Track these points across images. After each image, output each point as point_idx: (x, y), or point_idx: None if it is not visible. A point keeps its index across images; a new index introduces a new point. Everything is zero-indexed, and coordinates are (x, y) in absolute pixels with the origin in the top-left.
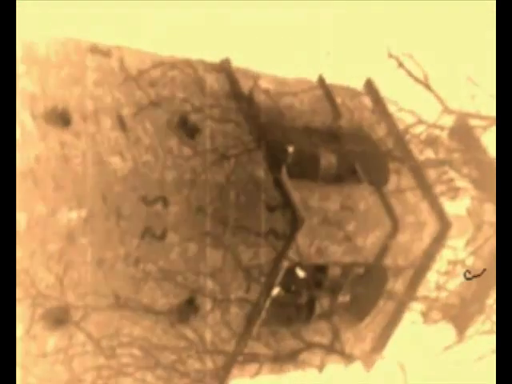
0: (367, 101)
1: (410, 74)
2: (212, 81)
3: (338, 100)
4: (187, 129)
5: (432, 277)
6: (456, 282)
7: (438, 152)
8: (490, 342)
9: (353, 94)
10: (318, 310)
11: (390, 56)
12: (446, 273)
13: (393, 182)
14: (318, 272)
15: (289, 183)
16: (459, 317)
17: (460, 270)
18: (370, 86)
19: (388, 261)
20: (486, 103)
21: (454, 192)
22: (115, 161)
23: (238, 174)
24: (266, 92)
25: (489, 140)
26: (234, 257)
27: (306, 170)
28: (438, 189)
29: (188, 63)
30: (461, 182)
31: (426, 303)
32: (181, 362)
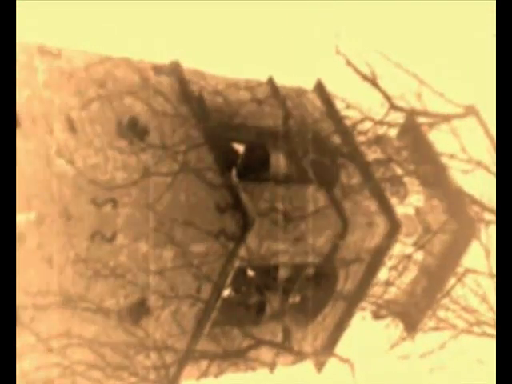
0: (316, 99)
1: (358, 72)
2: (161, 82)
3: (288, 100)
4: (136, 130)
5: (382, 274)
6: (406, 279)
7: (386, 150)
8: (437, 338)
9: (301, 92)
10: (268, 310)
11: (338, 53)
12: (394, 268)
13: (342, 181)
14: (269, 273)
15: (239, 184)
16: (408, 313)
17: (410, 265)
18: (319, 86)
19: (338, 261)
20: (432, 101)
21: (402, 190)
22: (64, 163)
23: (187, 173)
24: (216, 92)
25: (435, 137)
26: (184, 255)
27: (255, 170)
28: (386, 187)
29: (137, 64)
30: (408, 180)
31: (375, 300)
32: (129, 359)
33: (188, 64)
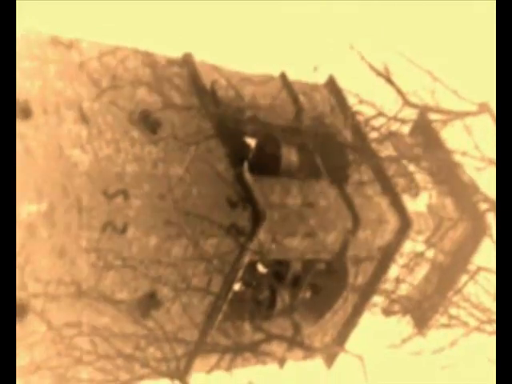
0: (329, 95)
1: (372, 67)
2: (174, 74)
3: (300, 95)
4: (149, 123)
5: (393, 271)
6: (417, 276)
7: (399, 146)
8: (448, 335)
9: (314, 88)
10: (278, 305)
11: (352, 48)
12: (406, 266)
13: (353, 177)
14: (280, 268)
15: (250, 178)
16: (419, 310)
17: (422, 263)
18: (332, 82)
19: (349, 257)
20: (446, 98)
21: (415, 187)
22: (76, 154)
23: (198, 166)
24: (229, 85)
25: (448, 134)
26: (196, 248)
27: (267, 164)
28: (398, 183)
29: (150, 56)
30: (421, 177)
31: (385, 296)
32: (140, 351)
33: (201, 57)
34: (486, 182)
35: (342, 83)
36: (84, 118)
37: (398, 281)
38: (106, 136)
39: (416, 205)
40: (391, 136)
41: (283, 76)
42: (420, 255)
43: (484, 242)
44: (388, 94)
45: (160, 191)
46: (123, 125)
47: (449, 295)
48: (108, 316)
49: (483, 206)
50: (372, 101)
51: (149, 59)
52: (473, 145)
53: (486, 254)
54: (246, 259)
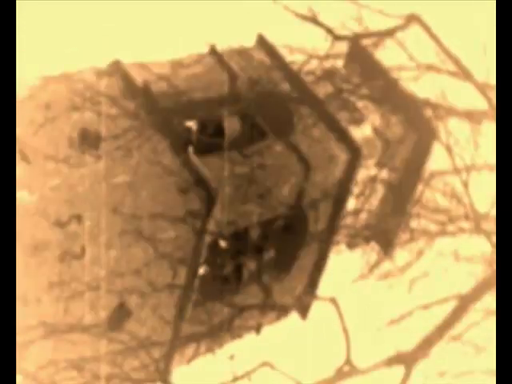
0: (260, 53)
1: (297, 14)
2: (105, 84)
3: (232, 62)
4: (89, 140)
5: (350, 203)
6: (374, 201)
7: (336, 82)
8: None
9: (244, 51)
10: (245, 274)
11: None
12: (361, 194)
13: (297, 126)
14: (240, 236)
15: (196, 160)
16: (381, 233)
17: (377, 186)
18: (261, 39)
19: (306, 205)
20: (374, 21)
21: (358, 115)
22: (23, 195)
23: (145, 167)
24: (160, 78)
25: (382, 55)
26: (155, 247)
27: (212, 141)
28: (342, 117)
29: (78, 75)
30: (362, 104)
31: (347, 231)
32: (118, 367)
33: (129, 59)
34: (425, 88)
35: (272, 38)
36: (25, 157)
37: (356, 212)
38: (50, 167)
39: (362, 132)
40: (327, 74)
41: (213, 49)
42: (373, 179)
43: (434, 147)
44: (318, 35)
45: (111, 205)
46: (64, 151)
47: (408, 209)
48: (81, 344)
49: (427, 113)
50: (302, 46)
51: (77, 78)
52: (407, 57)
53: (439, 158)
54: (206, 241)
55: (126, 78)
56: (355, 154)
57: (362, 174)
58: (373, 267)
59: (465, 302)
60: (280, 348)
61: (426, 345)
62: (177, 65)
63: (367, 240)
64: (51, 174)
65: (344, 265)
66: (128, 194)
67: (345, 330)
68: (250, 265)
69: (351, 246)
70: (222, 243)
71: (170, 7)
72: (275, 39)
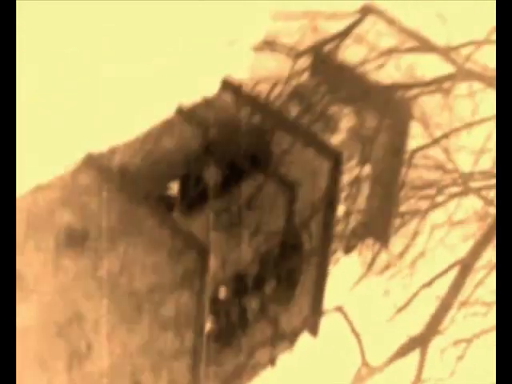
0: (225, 95)
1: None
2: (81, 178)
3: (199, 115)
4: (76, 238)
5: (340, 209)
6: (362, 199)
7: (304, 96)
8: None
9: (209, 100)
10: (250, 315)
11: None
12: (349, 196)
13: (275, 153)
14: (238, 278)
15: (182, 222)
16: (374, 227)
17: (362, 184)
18: (225, 83)
19: (297, 226)
20: (330, 26)
21: (332, 122)
22: (23, 311)
23: (131, 250)
24: (133, 156)
25: (344, 55)
26: (158, 320)
27: (195, 197)
28: (317, 129)
29: (59, 179)
30: (334, 109)
31: (341, 236)
32: None
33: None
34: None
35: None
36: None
37: (346, 215)
38: (44, 289)
39: (339, 137)
40: (294, 93)
41: (180, 110)
42: (357, 179)
43: (410, 126)
44: (279, 58)
45: (107, 296)
46: (53, 258)
47: (395, 194)
48: None
49: (398, 95)
50: (265, 75)
51: (58, 181)
52: (368, 49)
53: (417, 135)
54: (207, 298)
55: (100, 168)
56: (336, 160)
57: (345, 177)
58: (370, 264)
59: (466, 266)
60: (295, 367)
61: (435, 321)
62: (148, 137)
63: (362, 238)
64: (47, 291)
65: (342, 271)
66: (121, 278)
67: (356, 334)
68: (253, 303)
69: (348, 250)
70: (222, 292)
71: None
72: (237, 76)
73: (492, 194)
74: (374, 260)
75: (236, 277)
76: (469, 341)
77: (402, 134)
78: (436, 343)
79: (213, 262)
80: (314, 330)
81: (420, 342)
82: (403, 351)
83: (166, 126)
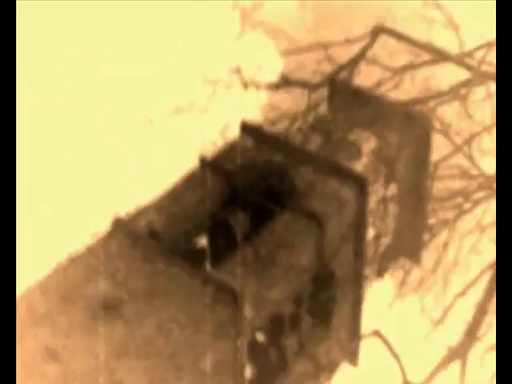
0: (245, 140)
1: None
2: (111, 244)
3: (220, 166)
4: (111, 307)
5: (369, 233)
6: (390, 220)
7: (323, 127)
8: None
9: (229, 145)
10: (289, 355)
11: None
12: (377, 218)
13: (299, 188)
14: (275, 320)
15: (215, 274)
16: (406, 246)
17: (389, 205)
18: (244, 127)
19: (328, 258)
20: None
21: (354, 148)
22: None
23: (168, 307)
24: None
25: (359, 80)
26: (198, 376)
27: (224, 246)
28: (340, 158)
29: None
30: (355, 134)
31: (373, 260)
32: None
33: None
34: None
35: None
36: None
37: (376, 238)
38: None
39: (362, 162)
40: (313, 126)
41: (203, 159)
42: (383, 200)
43: (432, 139)
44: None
45: (145, 360)
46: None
47: (424, 210)
48: None
49: (419, 109)
50: (283, 113)
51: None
52: (383, 69)
53: (439, 146)
54: (245, 345)
55: (127, 234)
56: (362, 186)
57: (372, 201)
58: (402, 282)
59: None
60: None
61: (473, 329)
62: (171, 194)
63: (394, 259)
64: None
65: (376, 294)
66: (157, 336)
67: (395, 355)
68: (292, 343)
69: (380, 273)
70: (260, 337)
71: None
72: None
73: None
74: (405, 278)
75: (272, 319)
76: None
77: (424, 147)
78: (475, 351)
79: (247, 308)
80: (353, 359)
81: (460, 353)
82: (444, 364)
83: (189, 179)
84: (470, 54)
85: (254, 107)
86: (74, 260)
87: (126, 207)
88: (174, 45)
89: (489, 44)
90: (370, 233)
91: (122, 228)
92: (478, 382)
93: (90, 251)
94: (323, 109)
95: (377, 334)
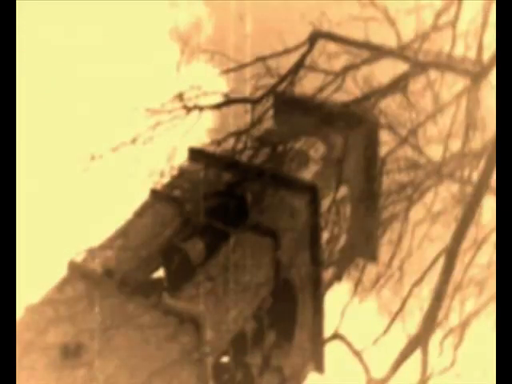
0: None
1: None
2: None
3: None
4: (72, 352)
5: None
6: (343, 222)
7: (269, 140)
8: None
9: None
10: (255, 372)
11: None
12: (330, 222)
13: (252, 209)
14: (237, 341)
15: (172, 303)
16: (361, 245)
17: (340, 208)
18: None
19: (285, 268)
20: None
21: (302, 157)
22: None
23: (123, 352)
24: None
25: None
26: None
27: (180, 273)
28: (290, 169)
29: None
30: (300, 144)
31: (330, 263)
32: None
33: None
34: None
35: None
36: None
37: (330, 241)
38: None
39: (311, 169)
40: (259, 142)
41: (153, 191)
42: (335, 203)
43: (378, 135)
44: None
45: None
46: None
47: (377, 206)
48: None
49: (363, 107)
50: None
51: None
52: (325, 73)
53: (385, 142)
54: (209, 370)
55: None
56: (312, 193)
57: (323, 205)
58: (357, 281)
59: (451, 251)
60: None
61: (432, 315)
62: (124, 229)
63: (351, 260)
64: None
65: (335, 297)
66: (120, 374)
67: (357, 354)
68: (256, 359)
69: (339, 275)
70: (224, 358)
71: None
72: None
73: (466, 173)
74: (360, 277)
75: (234, 338)
76: (464, 324)
77: (372, 144)
78: (436, 336)
79: (209, 333)
80: (319, 367)
81: (420, 340)
82: (405, 354)
83: (141, 211)
84: (408, 47)
85: (200, 130)
86: (31, 310)
87: (79, 250)
88: (113, 78)
89: (424, 34)
90: (325, 237)
91: (77, 271)
92: (440, 368)
93: (48, 299)
94: (270, 122)
95: (337, 336)
